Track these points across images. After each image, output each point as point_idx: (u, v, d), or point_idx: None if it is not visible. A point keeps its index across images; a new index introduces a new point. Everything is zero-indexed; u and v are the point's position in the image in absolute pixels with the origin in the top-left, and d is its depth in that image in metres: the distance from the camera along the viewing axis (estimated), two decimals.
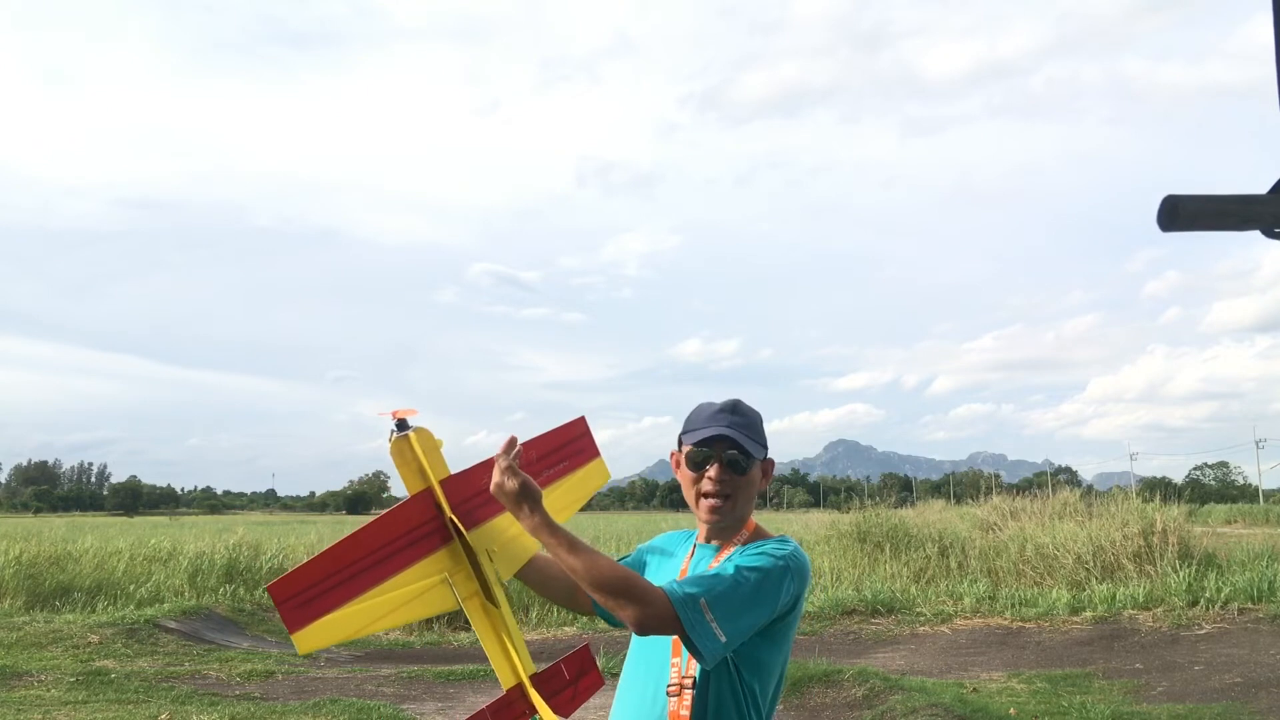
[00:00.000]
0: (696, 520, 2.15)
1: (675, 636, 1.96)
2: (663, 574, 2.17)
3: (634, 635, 2.13)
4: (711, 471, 2.02)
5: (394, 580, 1.97)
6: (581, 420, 2.40)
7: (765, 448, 2.09)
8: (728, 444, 2.01)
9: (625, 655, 2.23)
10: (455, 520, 2.09)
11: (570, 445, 2.36)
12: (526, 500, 1.94)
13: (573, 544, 1.88)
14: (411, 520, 2.05)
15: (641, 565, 2.27)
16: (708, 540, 2.12)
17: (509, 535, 2.16)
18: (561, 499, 2.30)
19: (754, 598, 1.87)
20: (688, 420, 2.12)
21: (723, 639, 1.82)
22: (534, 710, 2.07)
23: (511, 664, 2.08)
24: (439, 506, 2.09)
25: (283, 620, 1.82)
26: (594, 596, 1.88)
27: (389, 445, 2.09)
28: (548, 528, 1.92)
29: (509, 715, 2.04)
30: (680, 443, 2.11)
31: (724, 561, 2.00)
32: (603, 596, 1.84)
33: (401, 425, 2.10)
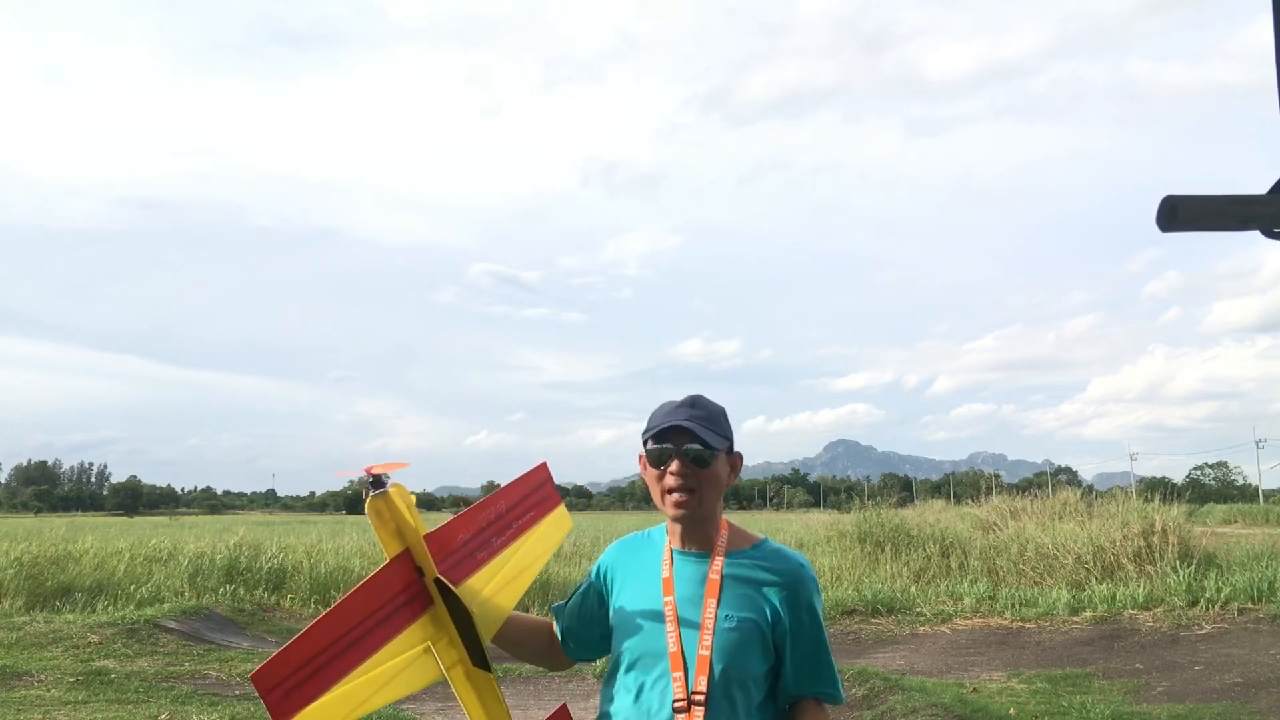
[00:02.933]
0: (668, 521, 2.09)
1: (675, 650, 1.93)
2: (636, 590, 2.06)
3: (620, 649, 2.04)
4: (673, 466, 1.97)
5: (377, 656, 1.85)
6: (543, 467, 2.28)
7: (729, 440, 2.03)
8: (686, 436, 1.97)
9: (610, 663, 2.12)
10: (445, 581, 1.95)
11: (535, 494, 2.24)
12: None
13: None
14: (392, 587, 1.92)
15: (600, 594, 2.16)
16: (684, 546, 2.05)
17: (484, 595, 2.03)
18: (530, 552, 2.17)
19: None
20: (649, 419, 2.07)
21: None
22: None
23: None
24: (419, 568, 1.96)
25: (268, 711, 1.70)
26: None
27: (365, 505, 1.95)
28: None
29: None
30: (644, 443, 2.06)
31: (801, 638, 2.00)
32: None
33: (378, 483, 1.95)
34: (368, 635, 1.84)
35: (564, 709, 2.19)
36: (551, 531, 2.25)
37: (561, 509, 2.30)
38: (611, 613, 2.11)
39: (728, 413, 2.08)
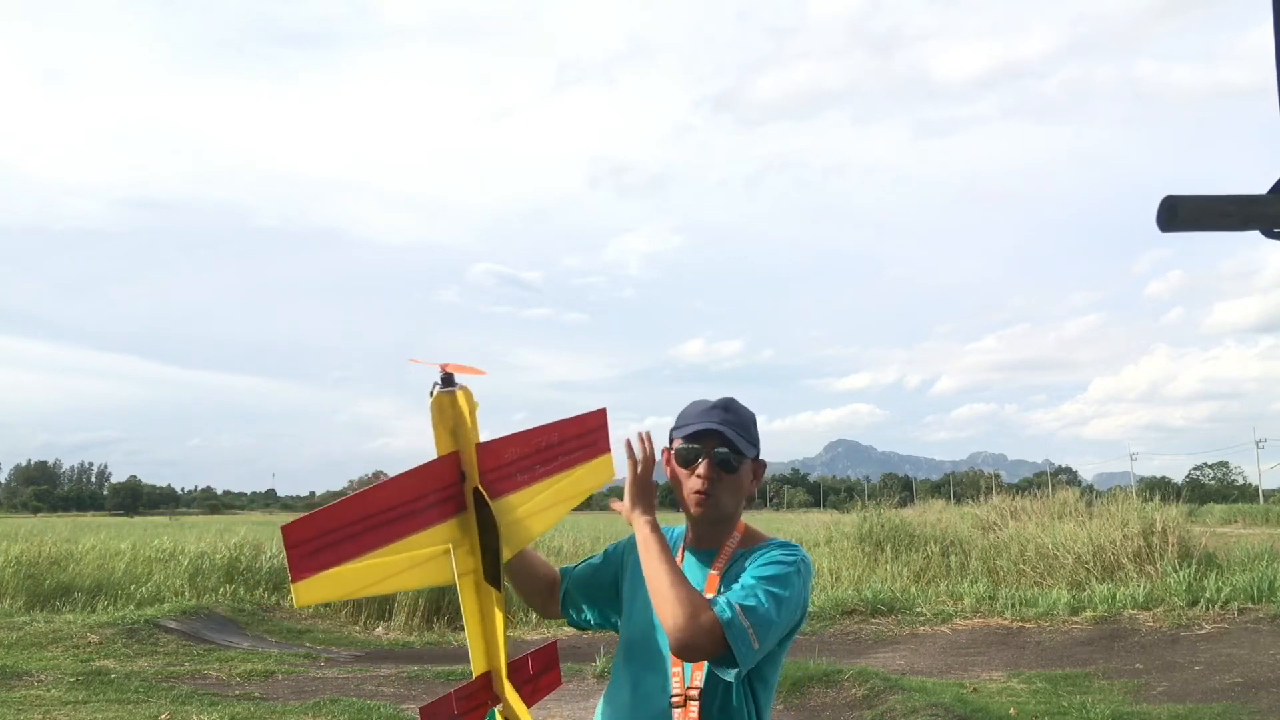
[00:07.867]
0: (685, 520, 2.11)
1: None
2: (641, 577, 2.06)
3: (624, 639, 2.08)
4: (700, 468, 1.98)
5: (404, 542, 1.91)
6: (602, 412, 2.36)
7: (757, 448, 2.04)
8: (717, 440, 1.98)
9: (618, 649, 2.16)
10: (483, 492, 2.03)
11: (588, 435, 2.32)
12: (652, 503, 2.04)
13: (665, 549, 1.92)
14: (434, 481, 1.99)
15: (614, 575, 2.21)
16: (698, 544, 2.06)
17: (515, 515, 2.10)
18: (568, 489, 2.24)
19: (779, 606, 1.86)
20: (679, 416, 2.09)
21: (756, 646, 1.80)
22: (497, 701, 2.04)
23: (488, 651, 2.05)
24: (462, 473, 2.04)
25: (288, 565, 1.73)
26: (655, 599, 1.86)
27: (430, 398, 2.03)
28: (656, 530, 1.97)
29: (473, 703, 2.00)
30: (671, 439, 2.08)
31: (741, 574, 1.95)
32: (661, 601, 1.84)
33: (448, 380, 2.05)
34: (398, 521, 1.90)
35: (553, 646, 2.27)
36: (593, 474, 2.33)
37: (608, 457, 2.36)
38: (623, 598, 2.15)
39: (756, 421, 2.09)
